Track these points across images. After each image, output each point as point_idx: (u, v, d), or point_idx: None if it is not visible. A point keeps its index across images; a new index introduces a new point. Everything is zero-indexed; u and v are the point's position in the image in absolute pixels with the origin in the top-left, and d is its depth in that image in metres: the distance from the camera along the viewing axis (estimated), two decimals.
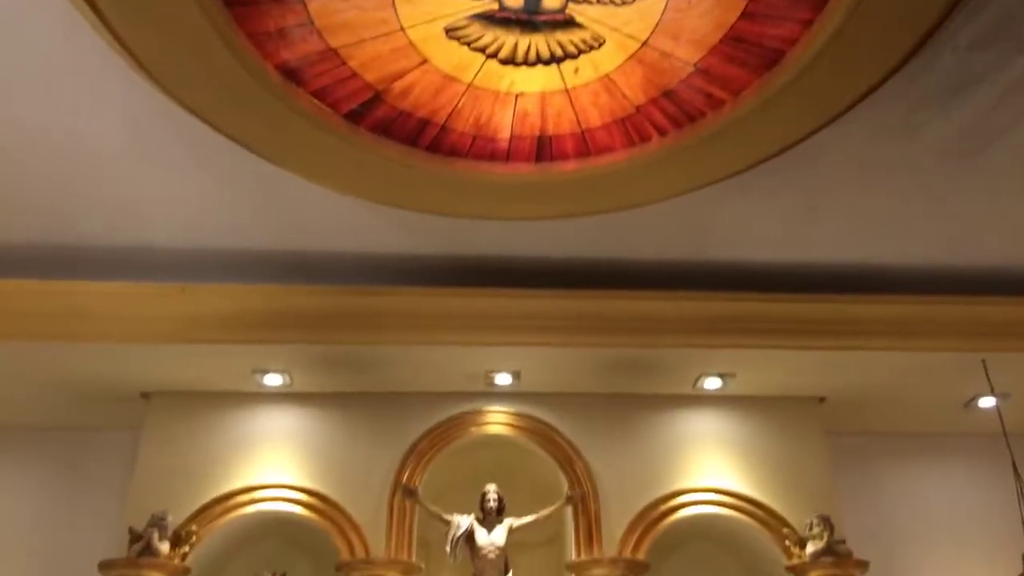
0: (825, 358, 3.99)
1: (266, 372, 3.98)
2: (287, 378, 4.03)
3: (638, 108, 3.05)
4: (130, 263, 3.68)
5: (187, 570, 3.72)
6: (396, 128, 3.10)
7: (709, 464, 4.18)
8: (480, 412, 4.24)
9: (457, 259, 3.85)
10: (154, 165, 3.23)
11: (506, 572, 3.95)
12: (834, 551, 3.83)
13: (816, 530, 3.89)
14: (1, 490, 4.32)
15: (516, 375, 4.13)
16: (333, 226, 3.61)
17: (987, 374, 3.89)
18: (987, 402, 4.23)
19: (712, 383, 4.19)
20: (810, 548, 3.87)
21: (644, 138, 3.16)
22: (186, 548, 3.74)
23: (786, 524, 4.01)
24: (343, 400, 4.18)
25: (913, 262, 3.87)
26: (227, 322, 3.71)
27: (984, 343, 3.89)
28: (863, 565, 3.86)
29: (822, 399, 4.35)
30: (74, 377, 3.94)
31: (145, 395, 4.11)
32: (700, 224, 3.65)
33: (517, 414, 4.25)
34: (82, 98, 2.91)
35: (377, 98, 2.97)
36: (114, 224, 3.53)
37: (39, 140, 3.09)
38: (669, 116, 3.07)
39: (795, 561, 3.91)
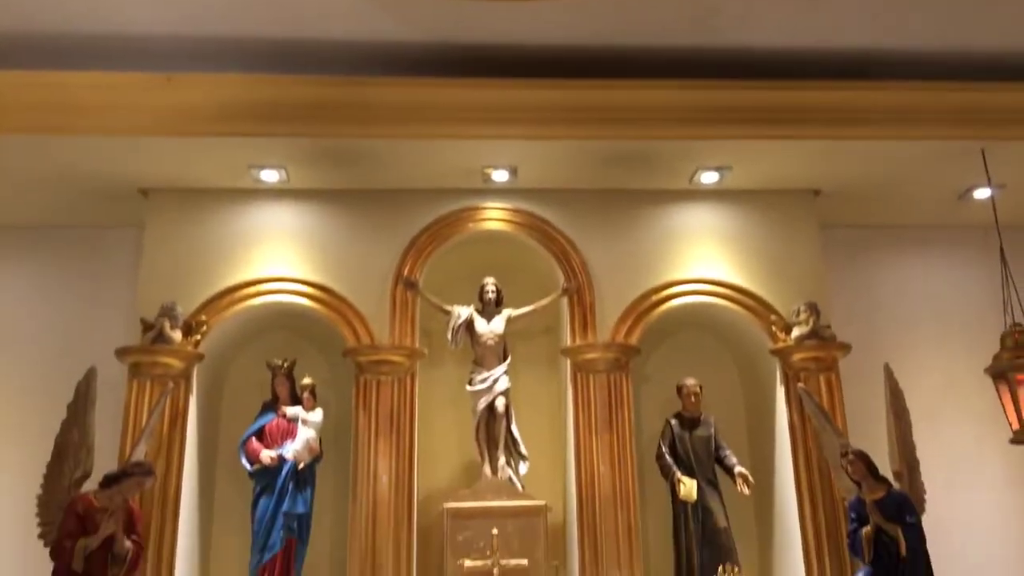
0: (822, 148, 3.98)
1: (262, 168, 3.97)
2: (283, 174, 4.03)
3: None
4: (115, 51, 3.57)
5: (200, 356, 3.92)
6: None
7: (702, 256, 4.28)
8: (478, 208, 4.28)
9: (451, 47, 3.74)
10: None
11: (504, 358, 4.18)
12: (818, 335, 4.02)
13: (802, 316, 4.06)
14: (11, 286, 4.45)
15: (513, 171, 4.13)
16: (323, 10, 3.45)
17: (985, 163, 3.88)
18: (982, 193, 4.25)
19: (709, 177, 4.19)
20: (795, 333, 4.06)
21: None
22: (197, 337, 3.91)
23: (774, 311, 4.17)
24: (342, 197, 4.21)
25: (915, 46, 3.77)
26: (217, 114, 3.66)
27: (983, 131, 3.86)
28: (845, 347, 4.06)
29: (817, 192, 4.37)
30: (69, 172, 3.94)
31: (144, 192, 4.13)
32: (706, 4, 3.49)
33: (514, 210, 4.29)
34: None
35: None
36: (98, 8, 3.37)
37: None
38: None
39: (780, 345, 4.10)
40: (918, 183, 4.29)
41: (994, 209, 3.95)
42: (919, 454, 4.13)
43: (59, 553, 3.09)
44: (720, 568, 3.71)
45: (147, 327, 3.84)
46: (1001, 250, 3.79)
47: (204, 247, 4.08)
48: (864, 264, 4.74)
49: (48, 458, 3.56)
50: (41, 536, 3.21)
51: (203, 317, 3.94)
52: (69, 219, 4.42)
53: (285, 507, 3.83)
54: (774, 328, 4.14)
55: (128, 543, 3.18)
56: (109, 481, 3.23)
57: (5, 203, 4.24)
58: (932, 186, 4.32)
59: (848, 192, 4.37)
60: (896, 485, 3.49)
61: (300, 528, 3.87)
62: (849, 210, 4.54)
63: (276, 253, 4.11)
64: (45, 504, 3.24)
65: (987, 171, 3.93)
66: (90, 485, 3.31)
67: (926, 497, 3.78)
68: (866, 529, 3.38)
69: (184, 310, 3.91)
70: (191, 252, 4.06)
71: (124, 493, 3.21)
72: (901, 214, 4.64)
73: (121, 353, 3.80)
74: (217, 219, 4.13)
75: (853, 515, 3.49)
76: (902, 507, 3.37)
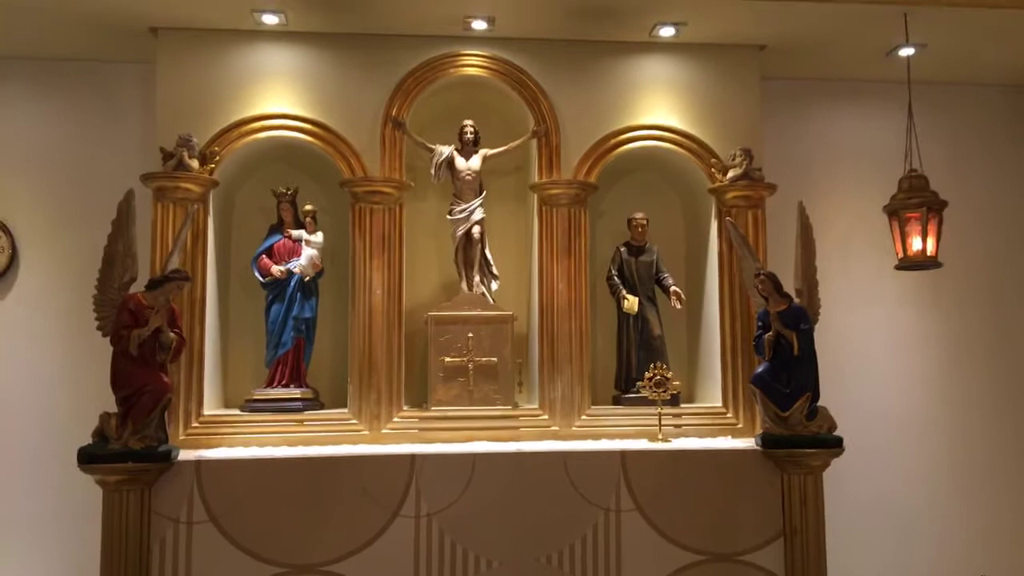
0: (770, 8, 4.39)
1: (263, 12, 4.34)
2: (283, 17, 4.41)
3: None
4: None
5: (216, 183, 4.47)
6: None
7: (656, 105, 4.81)
8: (458, 55, 4.71)
9: None
10: None
11: (480, 192, 4.78)
12: (749, 176, 4.67)
13: (737, 160, 4.68)
14: (31, 116, 4.85)
15: (491, 20, 4.53)
16: None
17: (906, 26, 4.40)
18: (906, 51, 4.76)
19: (666, 31, 4.65)
20: (730, 174, 4.70)
21: None
22: (212, 165, 4.44)
23: (714, 155, 4.77)
24: (336, 40, 4.61)
25: None
26: None
27: None
28: (771, 187, 4.72)
29: (763, 47, 4.86)
30: (84, 6, 4.25)
31: (153, 30, 4.49)
32: None
33: (492, 57, 4.73)
34: None
35: None
36: None
37: None
38: None
39: (716, 185, 4.75)
40: (850, 42, 4.78)
41: (908, 67, 4.51)
42: (831, 281, 5.01)
43: (117, 340, 3.80)
44: (652, 366, 4.57)
45: (167, 156, 4.34)
46: (909, 104, 4.39)
47: (213, 84, 4.50)
48: (798, 114, 5.32)
49: (84, 268, 4.25)
50: (99, 328, 3.88)
51: (216, 148, 4.45)
52: (79, 52, 4.76)
53: (294, 312, 4.55)
54: (713, 170, 4.77)
55: (172, 334, 3.90)
56: (153, 284, 3.90)
57: (18, 34, 4.55)
58: (862, 45, 4.82)
59: (790, 48, 4.85)
60: (797, 301, 4.28)
61: (307, 330, 4.61)
62: (790, 64, 5.05)
63: (278, 91, 4.56)
64: (100, 302, 3.89)
65: (907, 33, 4.46)
66: (135, 287, 3.96)
67: (829, 313, 4.66)
68: (768, 334, 4.20)
69: (198, 141, 4.41)
70: (201, 89, 4.49)
71: (166, 294, 3.88)
72: (836, 68, 5.17)
73: (147, 178, 4.32)
74: (224, 59, 4.53)
75: (759, 323, 4.30)
76: (798, 317, 4.18)
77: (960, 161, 5.41)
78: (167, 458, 3.84)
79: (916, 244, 4.28)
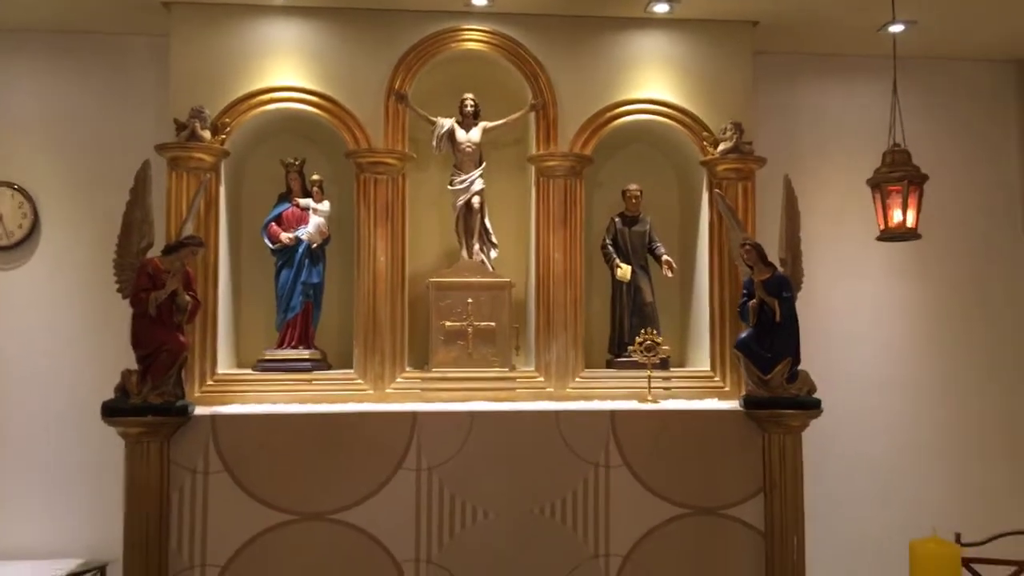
0: None
1: None
2: None
3: None
4: None
5: (227, 152, 4.67)
6: None
7: (650, 79, 4.96)
8: (459, 30, 4.87)
9: None
10: None
11: (480, 163, 4.97)
12: (739, 150, 4.84)
13: (728, 133, 4.85)
14: (50, 87, 5.03)
15: None
16: None
17: (893, 5, 4.53)
18: (896, 28, 4.88)
19: (661, 7, 4.78)
20: (721, 147, 4.88)
21: None
22: (223, 136, 4.65)
23: (707, 129, 4.93)
24: (341, 15, 4.77)
25: None
26: None
27: None
28: (761, 160, 4.89)
29: (755, 23, 4.99)
30: None
31: (166, 5, 4.66)
32: None
33: (492, 32, 4.88)
34: None
35: None
36: None
37: None
38: None
39: (708, 157, 4.93)
40: (842, 18, 4.91)
41: (894, 43, 4.64)
42: (820, 251, 5.22)
43: (136, 302, 4.04)
44: (643, 331, 4.79)
45: (180, 127, 4.54)
46: (894, 81, 4.52)
47: (224, 58, 4.67)
48: (790, 88, 5.46)
49: (103, 234, 4.53)
50: (119, 290, 4.12)
51: (227, 119, 4.65)
52: (93, 25, 4.94)
53: (303, 278, 4.77)
54: (705, 143, 4.94)
55: (187, 297, 4.14)
56: (169, 249, 4.14)
57: (39, 8, 4.73)
58: (854, 21, 4.94)
59: (783, 24, 4.98)
60: (781, 270, 4.48)
61: (315, 294, 4.84)
62: (783, 39, 5.18)
63: (286, 65, 4.74)
64: (120, 266, 4.12)
65: (893, 11, 4.59)
66: (152, 253, 4.20)
67: (817, 282, 4.96)
68: (752, 302, 4.41)
69: (210, 113, 4.60)
70: (212, 62, 4.66)
71: (182, 259, 4.12)
72: (828, 44, 5.30)
73: (161, 148, 4.52)
74: (234, 33, 4.70)
75: (744, 291, 4.50)
76: (781, 285, 4.38)
77: (948, 135, 5.56)
78: (184, 412, 4.10)
79: (897, 216, 4.44)
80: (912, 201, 4.46)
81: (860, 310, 5.53)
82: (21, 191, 4.99)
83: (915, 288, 5.58)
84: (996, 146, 5.69)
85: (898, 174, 4.43)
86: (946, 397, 5.54)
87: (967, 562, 4.17)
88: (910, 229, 4.48)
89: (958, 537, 4.21)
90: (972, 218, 5.63)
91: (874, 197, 4.55)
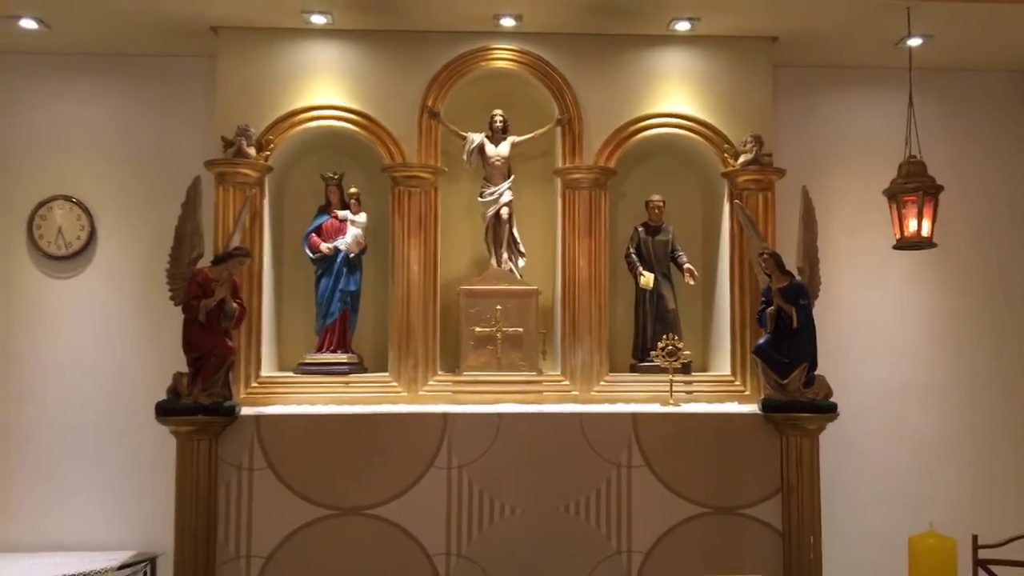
0: (781, 2, 4.68)
1: (312, 12, 4.78)
2: (330, 17, 4.84)
3: None
4: None
5: (270, 168, 4.96)
6: None
7: (673, 94, 5.14)
8: (488, 49, 5.10)
9: None
10: None
11: (509, 176, 5.19)
12: (759, 161, 5.00)
13: (748, 146, 5.01)
14: (107, 107, 5.35)
15: (518, 17, 4.90)
16: None
17: (908, 19, 4.66)
18: (913, 42, 5.00)
19: (682, 25, 4.97)
20: (741, 159, 5.04)
21: None
22: (267, 153, 4.93)
23: (727, 141, 5.09)
24: (377, 37, 5.03)
25: None
26: None
27: None
28: (780, 172, 5.05)
29: (774, 39, 5.15)
30: (152, 9, 4.73)
31: (215, 29, 4.96)
32: None
33: (519, 51, 5.10)
34: None
35: None
36: None
37: None
38: None
39: (729, 169, 5.10)
40: (860, 33, 5.04)
41: (909, 56, 4.77)
42: (838, 260, 5.36)
43: (188, 309, 4.34)
44: (665, 336, 4.97)
45: (227, 144, 4.83)
46: (910, 93, 4.66)
47: (268, 78, 4.97)
48: (809, 100, 5.58)
49: (156, 245, 4.85)
50: (172, 298, 4.42)
51: (271, 137, 4.94)
52: (152, 50, 5.28)
53: (341, 286, 5.04)
54: (726, 155, 5.10)
55: (234, 304, 4.43)
56: (218, 260, 4.43)
57: (99, 34, 5.06)
58: (871, 35, 5.06)
59: (801, 39, 5.12)
60: (798, 278, 4.63)
61: (352, 302, 5.10)
62: (801, 53, 5.32)
63: (325, 84, 5.02)
64: (172, 276, 4.43)
65: (909, 26, 4.72)
66: (201, 263, 4.49)
67: (835, 290, 5.12)
68: (770, 308, 4.58)
69: (255, 130, 4.90)
70: (258, 82, 4.95)
71: (229, 269, 4.41)
72: (845, 57, 5.44)
73: (210, 164, 4.83)
74: (277, 55, 4.99)
75: (763, 298, 4.67)
76: (798, 293, 4.54)
77: (964, 144, 5.64)
78: (231, 412, 4.39)
79: (912, 226, 4.57)
80: (927, 211, 4.59)
81: (877, 317, 5.63)
82: (79, 204, 5.33)
83: (931, 296, 5.66)
84: (1012, 155, 5.76)
85: (913, 185, 4.56)
86: (961, 402, 5.62)
87: (984, 563, 4.28)
88: (925, 238, 4.61)
89: (975, 539, 4.31)
90: (988, 227, 5.70)
91: (890, 207, 4.69)
